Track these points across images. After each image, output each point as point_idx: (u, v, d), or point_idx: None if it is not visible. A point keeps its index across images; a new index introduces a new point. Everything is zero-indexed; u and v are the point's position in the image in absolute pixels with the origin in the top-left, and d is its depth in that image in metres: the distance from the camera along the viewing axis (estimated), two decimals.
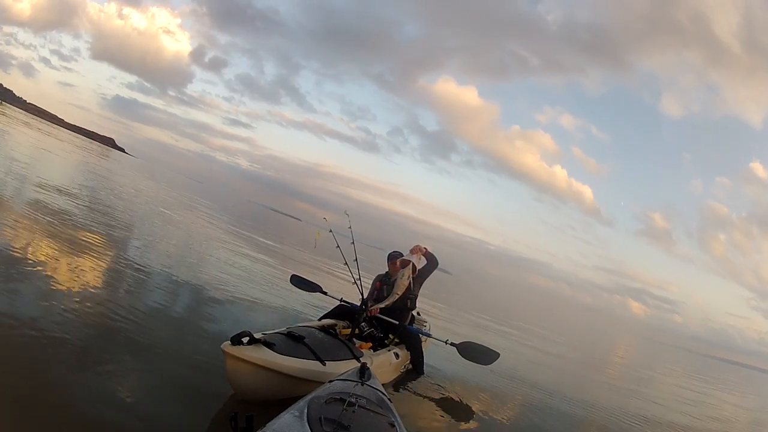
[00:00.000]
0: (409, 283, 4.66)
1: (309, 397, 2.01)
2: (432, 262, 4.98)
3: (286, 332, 3.18)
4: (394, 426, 1.96)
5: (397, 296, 4.59)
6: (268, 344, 2.80)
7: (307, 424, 1.79)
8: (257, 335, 2.80)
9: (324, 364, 3.02)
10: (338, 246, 4.54)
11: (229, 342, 2.68)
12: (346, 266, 4.54)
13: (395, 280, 4.70)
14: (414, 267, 4.69)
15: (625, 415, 6.41)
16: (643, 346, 41.21)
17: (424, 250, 4.84)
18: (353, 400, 2.00)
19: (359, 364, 2.47)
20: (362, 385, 2.26)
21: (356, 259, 4.52)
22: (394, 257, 4.99)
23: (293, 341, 3.06)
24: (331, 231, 4.83)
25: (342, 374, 2.48)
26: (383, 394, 2.30)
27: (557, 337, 19.70)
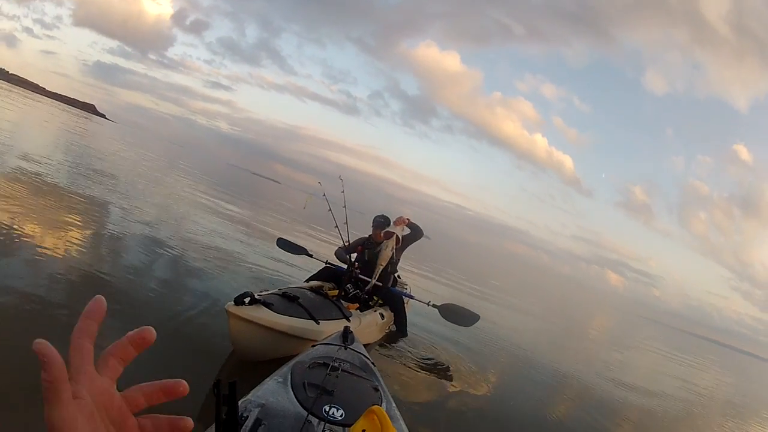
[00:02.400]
0: (392, 253, 4.60)
1: (292, 362, 1.92)
2: (416, 231, 4.91)
3: (281, 293, 3.20)
4: (378, 390, 1.89)
5: (381, 267, 4.56)
6: (267, 304, 2.82)
7: (291, 390, 1.71)
8: (257, 296, 2.82)
9: (318, 323, 3.06)
10: (330, 209, 4.58)
11: (233, 302, 2.71)
12: (336, 229, 4.58)
13: (379, 250, 4.62)
14: (398, 238, 4.60)
15: (603, 381, 6.62)
16: (620, 317, 42.18)
17: (407, 221, 4.75)
18: (336, 364, 1.92)
19: (342, 328, 2.40)
20: (345, 349, 2.18)
21: (346, 223, 4.56)
22: (379, 222, 4.90)
23: (289, 301, 3.09)
24: (324, 195, 4.81)
25: (325, 338, 2.40)
26: (367, 357, 2.23)
27: (535, 304, 20.07)
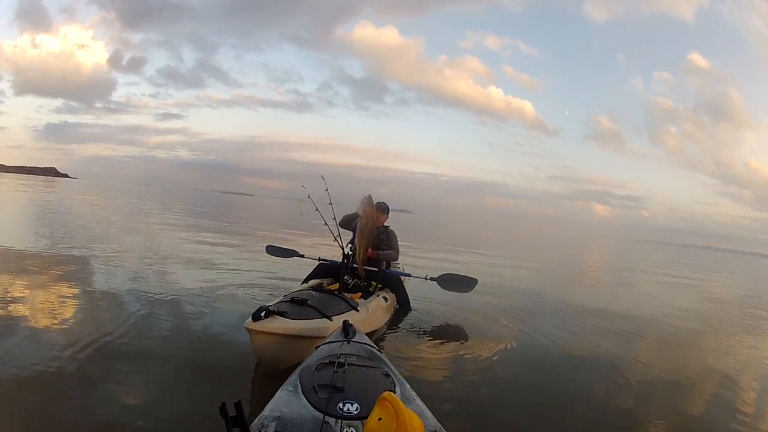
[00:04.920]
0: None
1: (299, 368, 1.87)
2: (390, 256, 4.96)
3: (289, 299, 3.23)
4: (389, 375, 1.84)
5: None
6: (281, 313, 2.87)
7: (302, 396, 1.66)
8: (270, 308, 2.88)
9: (331, 320, 3.08)
10: (317, 209, 4.56)
11: (251, 319, 2.76)
12: (325, 226, 4.57)
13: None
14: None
15: (616, 314, 6.54)
16: (615, 245, 41.99)
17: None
18: (342, 360, 1.87)
19: (341, 325, 2.36)
20: (349, 343, 2.13)
21: (334, 218, 4.56)
22: (380, 206, 4.91)
23: (299, 305, 3.12)
24: (309, 197, 4.76)
25: (327, 337, 2.34)
26: (371, 346, 2.18)
27: (529, 253, 20.14)
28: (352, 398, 1.61)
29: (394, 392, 1.68)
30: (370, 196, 4.43)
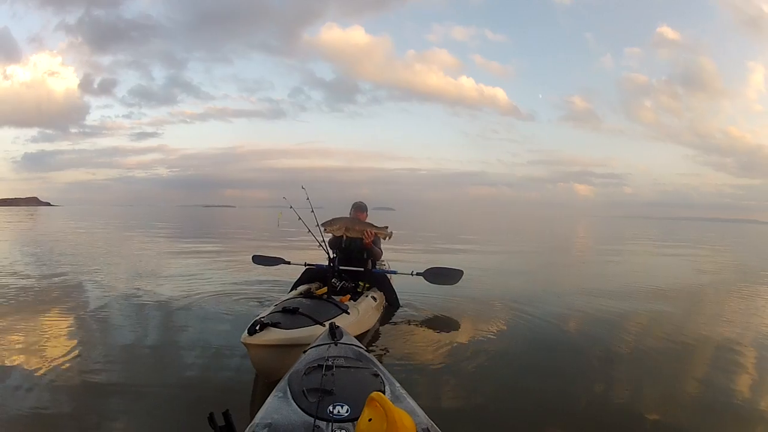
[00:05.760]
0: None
1: (288, 374, 1.85)
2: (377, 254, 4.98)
3: (281, 309, 3.23)
4: (377, 375, 1.83)
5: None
6: (275, 324, 2.89)
7: (293, 401, 1.64)
8: (264, 320, 2.89)
9: (323, 326, 3.06)
10: (300, 218, 4.55)
11: (247, 333, 2.78)
12: (309, 234, 4.58)
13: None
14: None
15: (606, 294, 6.55)
16: (601, 225, 41.62)
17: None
18: (330, 362, 1.85)
19: (327, 327, 2.34)
20: (336, 345, 2.12)
21: (317, 225, 4.54)
22: (359, 206, 4.93)
23: (291, 314, 3.12)
24: (291, 207, 4.77)
25: (314, 341, 2.33)
26: (359, 346, 2.17)
27: (514, 239, 20.22)
28: (342, 400, 1.59)
29: (384, 392, 1.67)
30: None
